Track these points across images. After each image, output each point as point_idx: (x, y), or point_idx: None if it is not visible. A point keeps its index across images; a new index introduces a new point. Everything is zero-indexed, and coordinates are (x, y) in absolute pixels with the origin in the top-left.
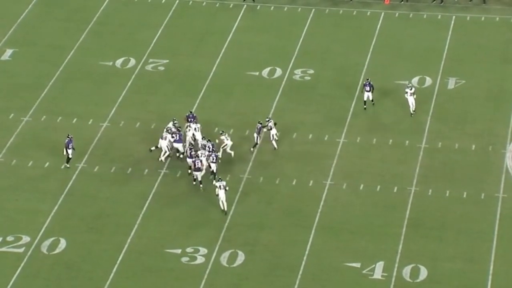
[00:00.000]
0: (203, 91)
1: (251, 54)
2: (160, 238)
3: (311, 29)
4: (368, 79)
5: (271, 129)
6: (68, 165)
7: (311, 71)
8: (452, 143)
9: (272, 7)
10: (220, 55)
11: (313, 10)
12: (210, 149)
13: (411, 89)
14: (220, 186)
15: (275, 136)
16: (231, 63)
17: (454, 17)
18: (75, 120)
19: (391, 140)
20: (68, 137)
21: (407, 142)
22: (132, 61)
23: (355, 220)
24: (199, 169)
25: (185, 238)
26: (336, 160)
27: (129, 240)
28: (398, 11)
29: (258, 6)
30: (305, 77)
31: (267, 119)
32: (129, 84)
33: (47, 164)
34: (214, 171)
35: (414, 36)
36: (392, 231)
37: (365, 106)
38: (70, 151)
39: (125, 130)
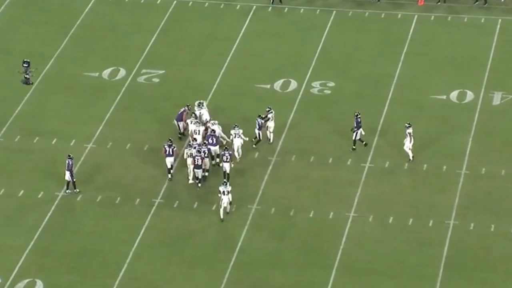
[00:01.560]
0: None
1: (262, 63)
2: (153, 280)
3: (331, 35)
4: (357, 114)
5: (268, 120)
6: (69, 191)
7: (332, 84)
8: (498, 169)
9: (286, 9)
10: (225, 64)
11: (334, 12)
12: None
13: (410, 128)
14: (224, 191)
15: (271, 129)
16: (237, 74)
17: (500, 20)
18: (54, 140)
19: (425, 165)
20: (69, 157)
21: (444, 167)
22: (122, 72)
23: (383, 259)
24: (199, 167)
25: (184, 280)
26: (360, 188)
27: (117, 282)
28: (434, 13)
29: (270, 8)
30: (325, 91)
31: (268, 109)
32: (118, 98)
33: (21, 192)
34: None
35: (453, 43)
36: (427, 272)
37: (354, 147)
38: (68, 174)
39: (113, 153)
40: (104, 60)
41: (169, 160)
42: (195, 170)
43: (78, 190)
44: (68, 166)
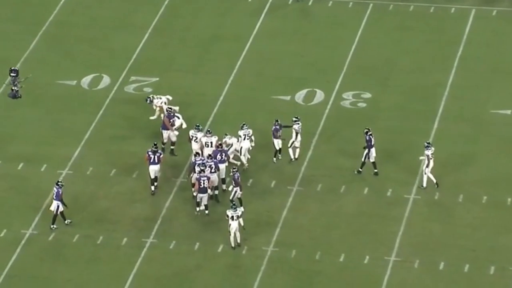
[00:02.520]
0: (208, 123)
1: (280, 69)
2: None
3: (367, 34)
4: (368, 131)
5: (297, 134)
6: (56, 226)
7: (368, 95)
8: None
9: (311, 2)
10: (234, 71)
11: (371, 5)
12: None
13: (431, 149)
14: (233, 216)
15: (297, 144)
16: (250, 83)
17: None
18: (21, 165)
19: (485, 197)
20: (58, 184)
21: (509, 200)
22: (106, 80)
23: None
24: (204, 190)
25: None
26: (403, 225)
27: None
28: (496, 7)
29: (290, 0)
30: (359, 104)
31: (295, 119)
32: (100, 113)
33: None
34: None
35: None
36: None
37: (360, 169)
38: (55, 205)
39: (94, 181)
40: (83, 65)
41: (153, 169)
42: (199, 195)
43: (69, 220)
44: (56, 196)
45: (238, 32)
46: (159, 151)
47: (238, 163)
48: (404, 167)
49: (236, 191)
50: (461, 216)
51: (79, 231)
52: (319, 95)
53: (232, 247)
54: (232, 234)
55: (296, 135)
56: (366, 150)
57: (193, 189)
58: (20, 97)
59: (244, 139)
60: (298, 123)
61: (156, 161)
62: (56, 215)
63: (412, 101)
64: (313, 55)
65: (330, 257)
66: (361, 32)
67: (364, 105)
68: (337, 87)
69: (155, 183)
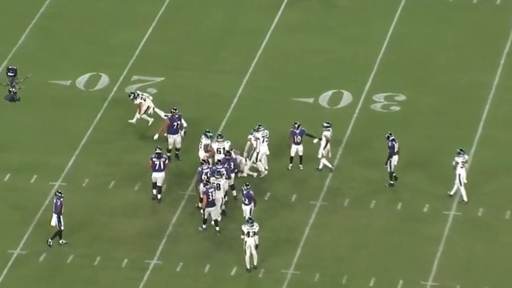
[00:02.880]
0: (221, 128)
1: (301, 68)
2: None
3: (401, 27)
4: (390, 135)
5: (327, 142)
6: (50, 242)
7: (402, 97)
8: None
9: None
10: (250, 70)
11: None
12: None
13: (463, 157)
14: (249, 232)
15: (325, 152)
16: (267, 83)
17: None
18: (7, 176)
19: None
20: (57, 195)
21: None
22: (104, 79)
23: None
24: (212, 203)
25: None
26: (442, 245)
27: None
28: None
29: None
30: (391, 107)
31: (326, 125)
32: (98, 117)
33: None
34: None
35: None
36: None
37: (391, 182)
38: (55, 219)
39: (91, 194)
40: (79, 63)
41: (157, 177)
42: (207, 209)
43: (65, 241)
44: (55, 208)
45: (254, 26)
46: (164, 156)
47: (255, 174)
48: (443, 180)
49: (251, 209)
50: (507, 235)
51: (74, 250)
52: (347, 97)
53: (247, 269)
54: (248, 254)
55: (327, 143)
56: (390, 159)
57: (200, 204)
58: (19, 99)
59: (263, 141)
60: (329, 130)
61: (162, 167)
62: (61, 230)
63: (451, 104)
64: (339, 51)
65: (358, 280)
66: (394, 25)
67: (397, 108)
68: (366, 87)
69: (159, 195)
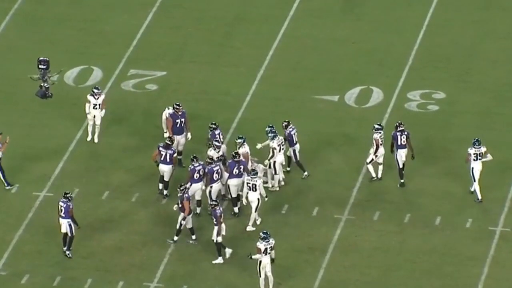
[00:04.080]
0: (231, 130)
1: (324, 61)
2: None
3: (438, 16)
4: (400, 124)
5: (378, 147)
6: (68, 253)
7: (441, 95)
8: None
9: None
10: (265, 63)
11: None
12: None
13: (479, 148)
14: (266, 249)
15: (380, 159)
16: (284, 79)
17: None
18: None
19: None
20: (65, 197)
21: None
22: (97, 73)
23: None
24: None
25: None
26: (487, 266)
27: None
28: None
29: None
30: (429, 106)
31: (377, 127)
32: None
33: None
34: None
35: None
36: None
37: (402, 181)
38: (66, 224)
39: (81, 206)
40: (67, 53)
41: (163, 170)
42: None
43: (70, 255)
44: (65, 212)
45: (269, 12)
46: (173, 148)
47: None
48: (489, 191)
49: (218, 231)
50: None
51: (62, 272)
52: (377, 95)
53: None
54: (263, 276)
55: (377, 148)
56: (396, 153)
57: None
58: (51, 96)
59: (280, 150)
60: (380, 132)
61: (168, 160)
62: (72, 237)
63: (498, 103)
64: (367, 42)
65: None
66: (431, 14)
67: (436, 107)
68: (399, 84)
69: (165, 191)
